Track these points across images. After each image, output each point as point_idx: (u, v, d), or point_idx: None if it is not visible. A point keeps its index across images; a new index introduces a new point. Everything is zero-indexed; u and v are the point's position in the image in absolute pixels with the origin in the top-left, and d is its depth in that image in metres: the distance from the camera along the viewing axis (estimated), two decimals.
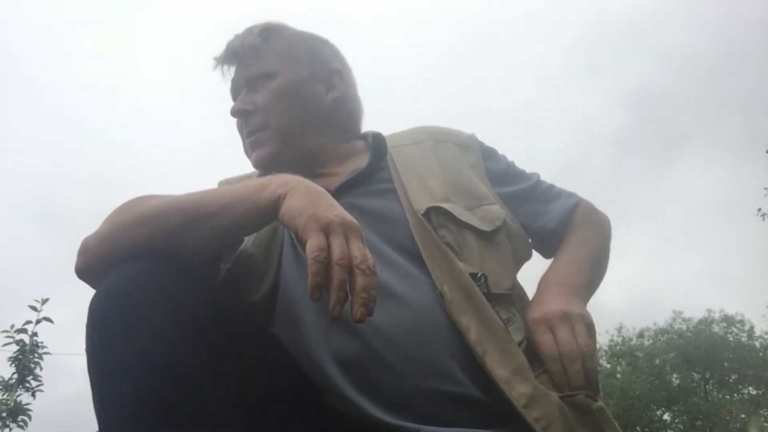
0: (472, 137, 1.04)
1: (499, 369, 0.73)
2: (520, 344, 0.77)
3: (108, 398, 0.63)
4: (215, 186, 0.99)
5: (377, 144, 0.97)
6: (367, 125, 1.09)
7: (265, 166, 0.97)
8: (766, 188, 11.56)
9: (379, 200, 0.89)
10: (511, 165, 1.05)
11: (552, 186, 1.06)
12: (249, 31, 1.00)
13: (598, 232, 1.03)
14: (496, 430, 0.71)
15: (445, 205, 0.85)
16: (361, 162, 0.95)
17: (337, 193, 0.86)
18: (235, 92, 1.02)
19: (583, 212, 1.04)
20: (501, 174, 1.01)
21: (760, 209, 11.67)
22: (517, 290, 0.87)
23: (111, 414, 0.63)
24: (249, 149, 0.99)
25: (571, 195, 1.05)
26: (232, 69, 1.03)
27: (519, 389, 0.71)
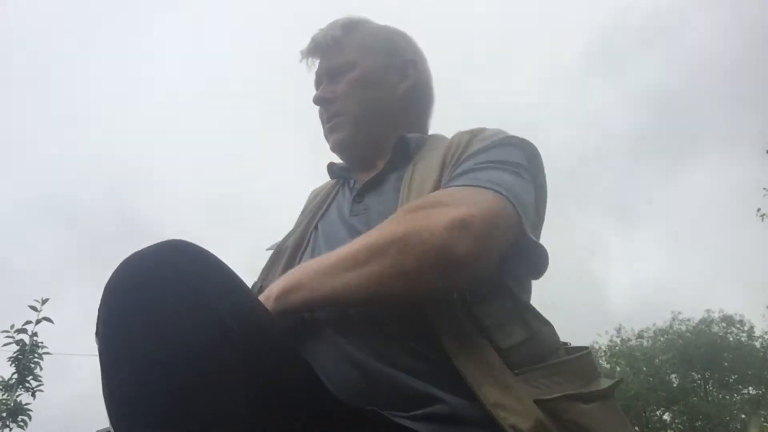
0: (485, 134, 0.97)
1: (469, 371, 0.72)
2: (510, 348, 0.76)
3: (116, 385, 0.61)
4: (305, 193, 1.17)
5: (399, 148, 1.01)
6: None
7: (339, 150, 1.06)
8: (765, 188, 11.59)
9: (386, 202, 0.93)
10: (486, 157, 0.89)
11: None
12: (333, 24, 1.08)
13: None
14: (467, 428, 0.70)
15: None
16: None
17: (361, 193, 0.98)
18: (318, 82, 1.10)
19: None
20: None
21: (759, 209, 11.68)
22: (506, 290, 0.83)
23: (118, 402, 0.61)
24: (327, 134, 1.07)
25: None
26: (316, 62, 1.10)
27: (487, 391, 0.70)
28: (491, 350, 0.75)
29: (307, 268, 0.81)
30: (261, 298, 0.81)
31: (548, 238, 0.97)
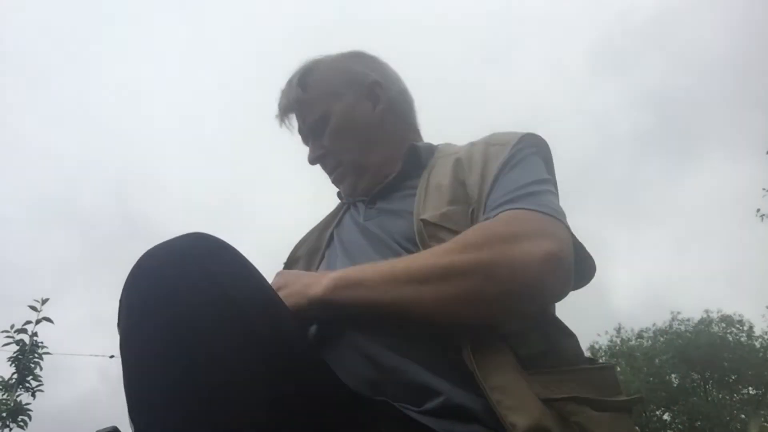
0: (499, 137, 0.96)
1: (478, 367, 0.72)
2: (527, 356, 0.75)
3: (136, 375, 0.62)
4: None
5: (410, 156, 1.03)
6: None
7: (353, 195, 1.09)
8: (764, 189, 11.59)
9: (400, 205, 0.95)
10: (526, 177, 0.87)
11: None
12: (289, 85, 1.10)
13: None
14: (473, 423, 0.70)
15: (432, 216, 0.85)
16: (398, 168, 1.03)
17: (374, 199, 1.01)
18: (305, 141, 1.13)
19: None
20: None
21: (758, 210, 11.69)
22: None
23: (138, 392, 0.61)
24: (336, 184, 1.13)
25: None
26: (293, 118, 1.13)
27: (494, 388, 0.70)
28: (506, 350, 0.74)
29: (367, 269, 0.80)
30: (292, 277, 0.85)
31: None
